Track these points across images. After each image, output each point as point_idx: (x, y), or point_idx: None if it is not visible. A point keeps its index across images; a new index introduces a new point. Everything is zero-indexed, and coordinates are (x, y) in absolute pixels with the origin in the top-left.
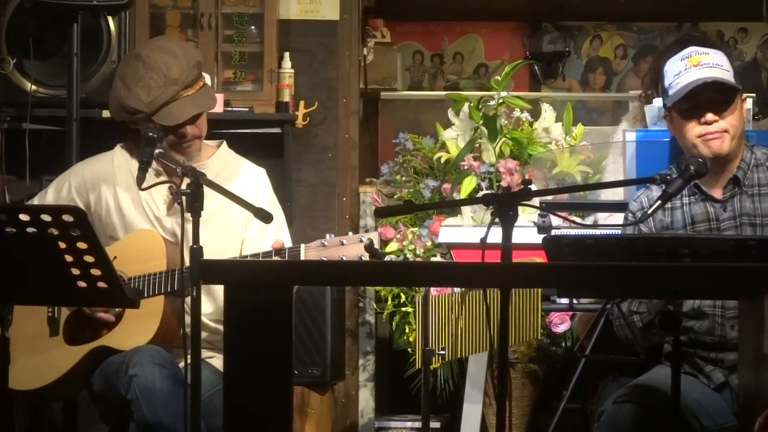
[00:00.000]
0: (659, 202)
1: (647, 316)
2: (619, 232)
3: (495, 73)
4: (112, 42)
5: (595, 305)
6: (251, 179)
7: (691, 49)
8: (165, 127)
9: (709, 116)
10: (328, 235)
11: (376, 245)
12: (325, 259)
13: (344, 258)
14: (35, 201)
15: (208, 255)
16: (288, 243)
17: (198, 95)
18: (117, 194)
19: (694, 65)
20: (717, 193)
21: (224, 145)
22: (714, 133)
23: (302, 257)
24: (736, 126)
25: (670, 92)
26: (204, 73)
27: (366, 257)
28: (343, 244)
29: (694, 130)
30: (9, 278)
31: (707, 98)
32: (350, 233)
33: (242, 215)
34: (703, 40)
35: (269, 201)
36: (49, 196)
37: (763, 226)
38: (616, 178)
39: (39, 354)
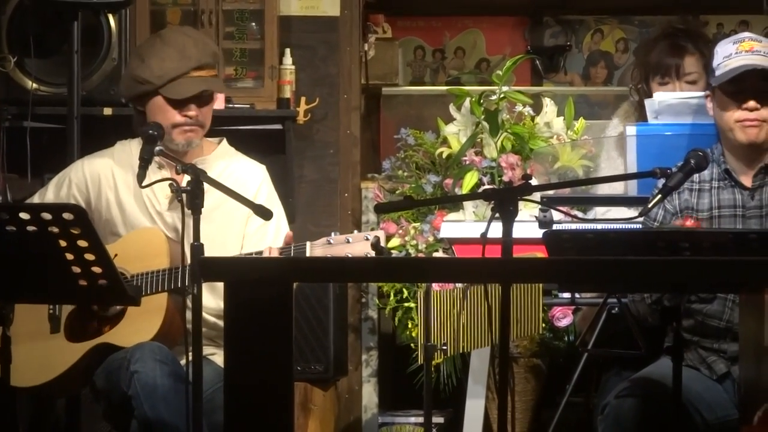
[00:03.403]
0: (659, 196)
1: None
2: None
3: (496, 67)
4: (112, 39)
5: (597, 299)
6: (251, 176)
7: (746, 34)
8: (170, 102)
9: (752, 103)
10: (333, 233)
11: (382, 243)
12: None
13: (351, 256)
14: (36, 198)
15: (210, 250)
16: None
17: (209, 78)
18: (118, 190)
19: (746, 50)
20: (747, 181)
21: (224, 142)
22: (753, 121)
23: (308, 255)
24: None
25: (717, 72)
26: None
27: (372, 255)
28: (349, 242)
29: (734, 114)
30: (10, 277)
31: (753, 85)
32: (355, 231)
33: (244, 210)
34: (691, 31)
35: (269, 197)
36: (50, 193)
37: None
38: (612, 173)
39: (40, 351)
